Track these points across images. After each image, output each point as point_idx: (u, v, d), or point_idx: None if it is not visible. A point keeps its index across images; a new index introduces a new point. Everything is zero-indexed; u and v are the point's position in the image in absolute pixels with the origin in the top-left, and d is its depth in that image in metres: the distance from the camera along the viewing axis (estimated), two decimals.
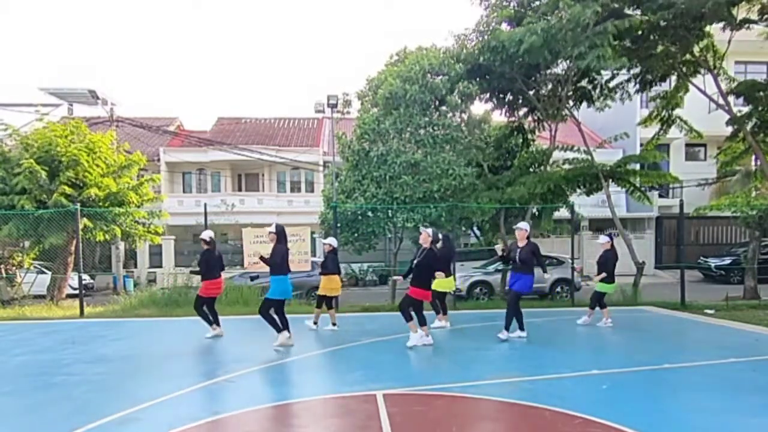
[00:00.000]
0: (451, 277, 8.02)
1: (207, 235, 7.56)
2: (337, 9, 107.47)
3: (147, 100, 67.27)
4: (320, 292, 8.07)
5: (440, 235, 7.76)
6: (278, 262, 6.54)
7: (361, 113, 12.63)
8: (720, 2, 9.84)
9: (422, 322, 6.70)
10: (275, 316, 6.63)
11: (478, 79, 11.53)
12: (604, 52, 9.61)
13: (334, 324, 8.09)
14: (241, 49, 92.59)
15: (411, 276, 6.72)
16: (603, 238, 8.38)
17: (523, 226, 7.27)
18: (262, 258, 6.81)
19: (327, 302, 8.13)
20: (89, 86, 18.24)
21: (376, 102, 12.26)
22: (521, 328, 7.16)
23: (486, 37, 10.81)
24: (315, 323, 8.05)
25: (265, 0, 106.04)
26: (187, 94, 70.78)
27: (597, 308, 8.32)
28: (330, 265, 8.05)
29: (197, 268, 7.50)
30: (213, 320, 7.49)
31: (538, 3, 11.14)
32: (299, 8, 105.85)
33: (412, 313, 6.67)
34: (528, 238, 7.16)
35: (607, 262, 8.15)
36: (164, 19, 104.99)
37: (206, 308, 7.47)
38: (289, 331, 6.68)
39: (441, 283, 7.55)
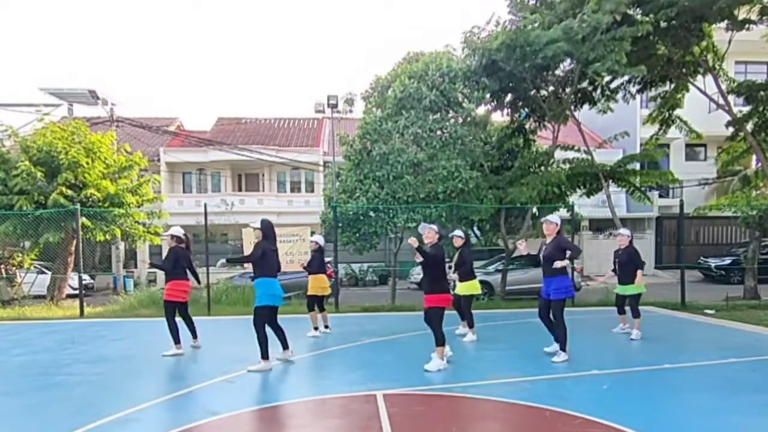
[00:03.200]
0: (476, 279, 7.28)
1: (179, 231, 6.70)
2: (336, 9, 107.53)
3: (147, 99, 67.33)
4: (310, 292, 7.76)
5: (461, 233, 7.34)
6: (256, 258, 5.69)
7: (365, 114, 12.65)
8: (729, 2, 9.85)
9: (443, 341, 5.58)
10: (266, 332, 5.69)
11: (485, 78, 11.44)
12: (619, 57, 9.64)
13: (327, 326, 7.88)
14: (242, 49, 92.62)
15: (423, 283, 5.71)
16: (624, 231, 7.49)
17: (554, 219, 6.05)
18: (234, 260, 6.32)
19: (319, 304, 7.85)
20: (89, 86, 18.25)
21: (381, 102, 12.28)
22: (559, 343, 5.96)
23: (503, 30, 10.75)
24: (316, 328, 7.77)
25: (266, 0, 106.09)
26: (187, 94, 70.81)
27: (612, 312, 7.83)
28: (315, 264, 7.74)
29: (160, 264, 6.65)
30: (177, 336, 6.51)
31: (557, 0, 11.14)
32: (299, 8, 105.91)
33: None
34: (558, 232, 6.01)
35: (632, 259, 7.26)
36: (164, 19, 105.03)
37: (180, 316, 6.61)
38: (287, 347, 5.96)
39: (468, 286, 7.11)
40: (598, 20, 9.58)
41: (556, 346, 5.96)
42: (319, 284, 7.74)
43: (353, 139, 12.24)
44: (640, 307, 7.44)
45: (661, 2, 10.13)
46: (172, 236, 6.60)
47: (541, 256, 6.02)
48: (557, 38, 9.73)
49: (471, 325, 7.24)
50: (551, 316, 5.96)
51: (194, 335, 6.85)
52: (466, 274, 7.08)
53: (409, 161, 11.36)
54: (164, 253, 6.74)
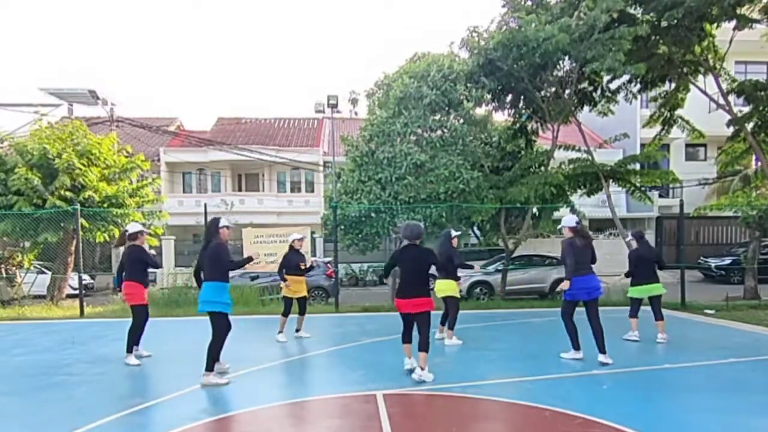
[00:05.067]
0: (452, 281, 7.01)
1: (139, 227, 6.26)
2: (337, 9, 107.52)
3: (147, 99, 67.35)
4: (288, 294, 7.35)
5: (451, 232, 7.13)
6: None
7: (369, 114, 12.65)
8: (733, 1, 9.85)
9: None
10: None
11: (484, 78, 11.42)
12: (619, 57, 9.62)
13: (297, 330, 7.45)
14: (242, 49, 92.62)
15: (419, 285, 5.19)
16: (629, 237, 7.44)
17: (566, 222, 5.93)
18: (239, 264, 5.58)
19: (300, 306, 7.44)
20: (89, 86, 18.27)
21: (385, 102, 12.29)
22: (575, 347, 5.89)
23: (504, 29, 10.75)
24: (297, 329, 7.46)
25: (266, 0, 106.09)
26: (187, 94, 70.83)
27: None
28: (287, 264, 7.30)
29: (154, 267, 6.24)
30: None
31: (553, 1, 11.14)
32: (300, 8, 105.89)
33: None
34: (574, 233, 5.84)
35: (630, 262, 7.20)
36: (164, 19, 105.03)
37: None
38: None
39: (446, 286, 6.93)
40: (595, 18, 9.56)
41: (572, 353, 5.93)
42: (294, 287, 7.33)
43: (357, 140, 12.26)
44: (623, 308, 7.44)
45: (665, 3, 10.12)
46: (143, 234, 6.30)
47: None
48: (554, 35, 9.71)
49: (450, 326, 7.10)
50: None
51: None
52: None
53: (412, 163, 11.38)
54: (164, 253, 6.48)
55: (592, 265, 5.88)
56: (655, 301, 7.10)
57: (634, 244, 7.24)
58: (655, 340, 6.98)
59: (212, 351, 5.01)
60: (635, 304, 7.19)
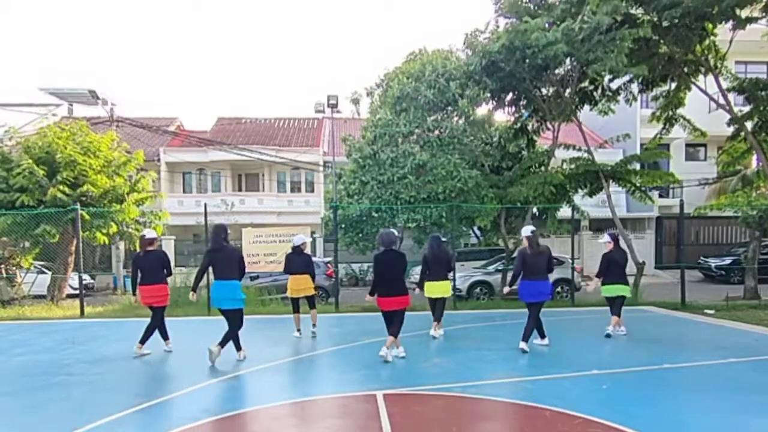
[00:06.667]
0: (445, 282, 7.38)
1: (155, 234, 6.86)
2: (337, 9, 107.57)
3: (147, 100, 67.38)
4: (292, 294, 7.62)
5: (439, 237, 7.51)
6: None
7: (370, 114, 12.66)
8: (732, 2, 9.88)
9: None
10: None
11: (486, 78, 11.41)
12: (621, 59, 9.64)
13: (314, 326, 7.68)
14: (242, 49, 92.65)
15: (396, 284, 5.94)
16: (605, 238, 7.69)
17: (522, 232, 6.68)
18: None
19: (309, 302, 7.63)
20: (89, 86, 18.27)
21: (384, 101, 12.30)
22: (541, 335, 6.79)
23: (506, 31, 10.77)
24: (314, 325, 7.67)
25: (266, 0, 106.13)
26: (187, 94, 70.85)
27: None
28: (291, 265, 7.51)
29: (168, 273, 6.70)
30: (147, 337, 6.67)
31: (555, 1, 11.14)
32: (300, 8, 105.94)
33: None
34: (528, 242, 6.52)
35: (602, 263, 7.57)
36: (164, 20, 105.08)
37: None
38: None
39: (446, 288, 7.26)
40: (598, 21, 9.60)
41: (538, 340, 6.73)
42: (297, 285, 7.48)
43: (359, 142, 12.28)
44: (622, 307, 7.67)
45: (664, 2, 10.13)
46: (154, 240, 6.79)
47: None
48: (557, 40, 9.73)
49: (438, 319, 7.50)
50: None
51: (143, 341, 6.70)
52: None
53: (414, 163, 11.40)
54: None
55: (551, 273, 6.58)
56: (618, 301, 7.49)
57: (610, 246, 7.51)
58: (651, 340, 7.04)
59: (229, 336, 5.83)
60: (609, 303, 7.61)
